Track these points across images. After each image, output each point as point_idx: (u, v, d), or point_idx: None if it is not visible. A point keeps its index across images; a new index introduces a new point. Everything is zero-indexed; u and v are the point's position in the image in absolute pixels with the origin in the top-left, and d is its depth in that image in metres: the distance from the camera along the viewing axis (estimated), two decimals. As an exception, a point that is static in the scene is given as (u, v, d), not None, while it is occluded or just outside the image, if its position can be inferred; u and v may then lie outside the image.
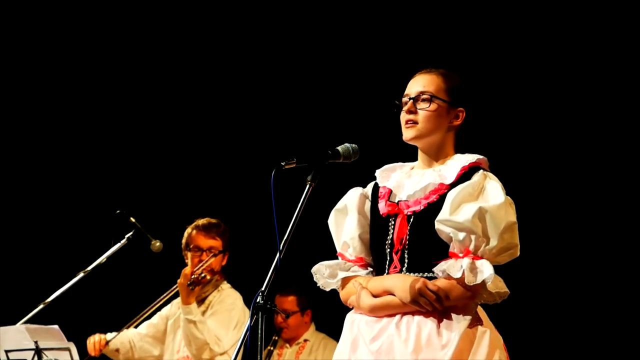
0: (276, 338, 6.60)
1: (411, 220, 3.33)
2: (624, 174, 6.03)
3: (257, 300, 3.08)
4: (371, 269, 3.44)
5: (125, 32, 7.30)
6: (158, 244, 5.46)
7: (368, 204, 3.48)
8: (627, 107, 6.03)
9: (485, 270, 3.16)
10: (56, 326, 5.00)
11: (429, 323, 3.22)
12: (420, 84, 3.44)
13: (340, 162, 3.37)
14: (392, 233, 3.36)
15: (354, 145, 3.38)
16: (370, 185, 3.53)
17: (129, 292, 7.10)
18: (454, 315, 3.22)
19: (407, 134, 3.42)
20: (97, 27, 7.30)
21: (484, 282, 3.17)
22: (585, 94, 6.12)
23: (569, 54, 6.14)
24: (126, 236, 5.44)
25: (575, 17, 6.09)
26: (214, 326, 5.41)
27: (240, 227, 6.48)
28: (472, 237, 3.18)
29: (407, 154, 3.55)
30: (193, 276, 5.41)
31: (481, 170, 3.33)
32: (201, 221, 5.64)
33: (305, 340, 6.59)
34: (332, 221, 3.53)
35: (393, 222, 3.37)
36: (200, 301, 5.55)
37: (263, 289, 3.10)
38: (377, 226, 3.42)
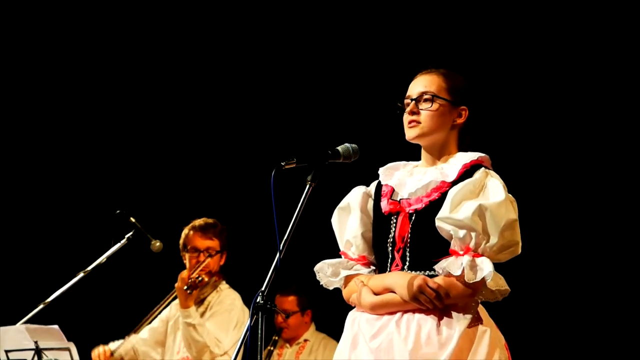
0: (276, 338, 6.60)
1: (413, 218, 3.34)
2: (626, 173, 6.03)
3: (257, 300, 3.08)
4: (374, 268, 3.45)
5: (125, 32, 7.30)
6: (158, 244, 5.46)
7: (371, 203, 3.48)
8: (630, 106, 6.02)
9: (485, 268, 3.17)
10: (56, 326, 5.00)
11: (429, 321, 3.22)
12: (421, 84, 3.45)
13: (340, 162, 3.37)
14: (394, 231, 3.37)
15: (354, 145, 3.39)
16: (374, 184, 3.54)
17: (129, 292, 7.11)
18: (454, 314, 3.22)
19: (410, 133, 3.43)
20: (97, 27, 7.30)
21: (484, 280, 3.17)
22: (588, 93, 6.12)
23: (572, 53, 6.14)
24: (126, 236, 5.44)
25: (579, 16, 6.09)
26: (214, 328, 5.41)
27: (240, 227, 6.49)
28: (473, 234, 3.18)
29: (409, 154, 3.55)
30: (190, 280, 5.41)
31: (483, 168, 3.33)
32: (198, 222, 5.63)
33: (306, 340, 6.59)
34: (335, 220, 3.54)
35: (395, 220, 3.38)
36: (199, 302, 5.55)
37: (263, 289, 3.10)
38: (379, 224, 3.42)
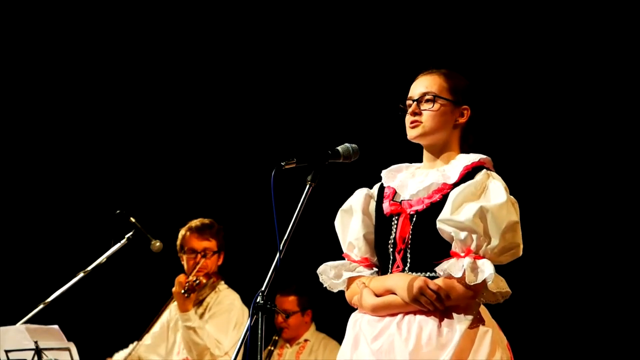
0: (276, 338, 6.60)
1: (414, 219, 3.34)
2: (628, 174, 6.03)
3: (257, 300, 3.08)
4: (376, 269, 3.45)
5: (125, 32, 7.30)
6: (158, 244, 5.45)
7: (373, 204, 3.49)
8: (632, 106, 6.02)
9: (486, 270, 3.16)
10: (56, 326, 4.99)
11: (430, 322, 3.22)
12: (422, 85, 3.45)
13: (340, 162, 3.37)
14: (395, 232, 3.37)
15: (354, 145, 3.38)
16: (377, 186, 3.54)
17: (129, 292, 7.11)
18: (455, 315, 3.22)
19: (412, 132, 3.43)
20: (97, 27, 7.30)
21: (485, 282, 3.17)
22: (590, 94, 6.11)
23: (574, 53, 6.13)
24: (126, 236, 5.44)
25: (580, 16, 6.08)
26: (214, 329, 5.41)
27: (239, 227, 6.49)
28: (474, 236, 3.18)
29: (409, 154, 3.55)
30: (187, 283, 5.40)
31: (484, 170, 3.33)
32: (194, 223, 5.63)
33: (306, 340, 6.59)
34: (337, 222, 3.54)
35: (396, 222, 3.38)
36: (198, 303, 5.55)
37: (263, 289, 3.10)
38: (380, 226, 3.42)
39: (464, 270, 3.17)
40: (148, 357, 5.64)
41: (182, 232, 5.65)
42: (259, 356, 3.05)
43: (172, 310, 5.63)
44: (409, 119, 3.44)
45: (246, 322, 5.37)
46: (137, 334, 5.83)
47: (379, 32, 6.68)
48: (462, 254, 3.20)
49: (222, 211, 6.35)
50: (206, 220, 5.65)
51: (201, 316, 5.50)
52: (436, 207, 3.28)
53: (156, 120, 7.39)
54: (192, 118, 7.36)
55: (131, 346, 5.70)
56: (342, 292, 3.51)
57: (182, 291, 5.39)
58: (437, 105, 3.40)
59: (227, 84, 7.26)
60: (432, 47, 6.28)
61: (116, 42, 7.33)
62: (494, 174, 3.34)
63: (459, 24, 6.39)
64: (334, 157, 3.34)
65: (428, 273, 3.28)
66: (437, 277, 3.25)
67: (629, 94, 6.03)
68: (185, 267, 5.61)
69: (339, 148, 3.37)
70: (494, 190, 3.25)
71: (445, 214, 3.22)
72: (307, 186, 3.24)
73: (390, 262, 3.37)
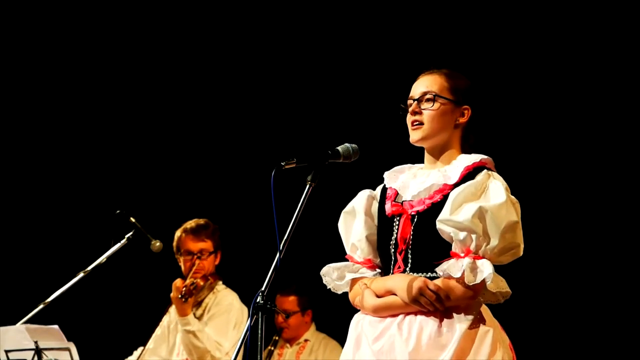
0: (277, 338, 6.60)
1: (415, 220, 3.34)
2: (629, 174, 6.02)
3: (257, 300, 3.08)
4: (379, 270, 3.45)
5: (125, 32, 7.30)
6: (158, 244, 5.45)
7: (376, 205, 3.49)
8: (633, 106, 6.02)
9: (485, 270, 3.16)
10: (56, 326, 4.99)
11: (431, 323, 3.22)
12: (423, 85, 3.46)
13: (340, 162, 3.37)
14: (396, 233, 3.37)
15: (354, 145, 3.38)
16: (380, 187, 3.54)
17: (129, 292, 7.11)
18: (455, 315, 3.22)
19: (414, 135, 3.43)
20: (97, 27, 7.30)
21: (484, 282, 3.17)
22: (591, 94, 6.11)
23: (575, 53, 6.13)
24: (126, 236, 5.44)
25: (582, 16, 6.08)
26: (213, 331, 5.41)
27: (240, 227, 6.49)
28: (473, 236, 3.18)
29: (410, 154, 3.55)
30: (184, 288, 5.39)
31: (485, 170, 3.33)
32: (189, 224, 5.62)
33: (306, 340, 6.59)
34: (341, 224, 3.54)
35: (397, 223, 3.38)
36: (197, 305, 5.54)
37: (263, 289, 3.10)
38: (382, 227, 3.43)
39: (463, 271, 3.17)
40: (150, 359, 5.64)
41: (177, 233, 5.64)
42: (259, 356, 3.05)
43: (172, 312, 5.62)
44: (410, 118, 3.45)
45: (246, 322, 5.40)
46: (137, 335, 5.83)
47: (380, 32, 6.68)
48: (462, 255, 3.20)
49: (222, 211, 6.35)
50: (201, 221, 5.64)
51: (200, 317, 5.50)
52: (437, 207, 3.28)
53: (156, 120, 7.39)
54: (192, 118, 7.35)
55: (136, 353, 5.69)
56: (343, 293, 3.51)
57: (180, 295, 5.38)
58: (437, 105, 3.40)
59: (227, 84, 7.26)
60: (434, 47, 6.28)
61: (116, 42, 7.33)
62: (495, 174, 3.34)
63: (460, 24, 6.39)
64: (334, 157, 3.34)
65: (429, 273, 3.28)
66: (438, 277, 3.25)
67: (629, 93, 6.03)
68: (183, 268, 5.61)
69: (339, 148, 3.37)
70: (494, 191, 3.25)
71: (444, 214, 3.23)
72: (307, 186, 3.24)
73: (392, 262, 3.37)
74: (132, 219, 5.44)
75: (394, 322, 3.28)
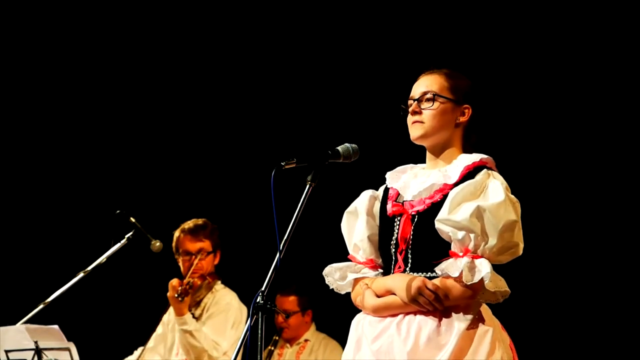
0: (277, 338, 6.60)
1: (415, 220, 3.34)
2: (629, 173, 6.02)
3: (257, 300, 3.08)
4: (381, 271, 3.45)
5: (125, 32, 7.30)
6: (158, 244, 5.45)
7: (377, 205, 3.49)
8: (633, 106, 6.02)
9: (483, 269, 3.16)
10: (56, 326, 4.99)
11: (430, 323, 3.23)
12: (423, 84, 3.46)
13: (340, 162, 3.37)
14: (397, 233, 3.37)
15: (354, 145, 3.39)
16: (383, 187, 3.54)
17: (129, 292, 7.11)
18: (454, 315, 3.22)
19: (414, 132, 3.43)
20: (97, 27, 7.29)
21: (482, 281, 3.16)
22: (592, 94, 6.11)
23: (576, 53, 6.13)
24: (126, 236, 5.44)
25: (582, 16, 6.09)
26: (211, 331, 5.41)
27: (239, 227, 6.49)
28: (471, 236, 3.18)
29: (411, 154, 3.55)
30: (180, 287, 5.39)
31: (485, 169, 3.33)
32: (187, 224, 5.62)
33: (306, 340, 6.59)
34: (344, 224, 3.55)
35: (398, 222, 3.38)
36: (195, 305, 5.54)
37: (263, 289, 3.10)
38: (383, 227, 3.43)
39: (462, 270, 3.17)
40: (150, 358, 5.64)
41: (176, 234, 5.64)
42: (259, 356, 3.05)
43: (170, 312, 5.62)
44: (410, 119, 3.45)
45: (244, 321, 5.41)
46: (137, 335, 5.84)
47: (380, 32, 6.68)
48: (461, 254, 3.20)
49: (222, 211, 6.35)
50: (199, 221, 5.64)
51: (199, 317, 5.50)
52: (437, 207, 3.28)
53: (156, 120, 7.39)
54: (192, 118, 7.35)
55: (136, 352, 5.69)
56: (343, 293, 3.51)
57: (176, 295, 5.38)
58: (436, 104, 3.40)
59: (227, 84, 7.26)
60: (434, 47, 6.28)
61: (116, 42, 7.33)
62: (495, 173, 3.33)
63: (461, 24, 6.38)
64: (334, 157, 3.35)
65: (429, 273, 3.28)
66: (437, 277, 3.25)
67: (630, 93, 6.03)
68: (182, 268, 5.61)
69: (339, 148, 3.37)
70: (493, 190, 3.25)
71: (443, 213, 3.23)
72: (307, 186, 3.25)
73: (393, 262, 3.38)
74: (132, 219, 5.44)
75: (393, 322, 3.28)
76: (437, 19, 6.47)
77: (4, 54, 7.34)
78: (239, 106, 7.24)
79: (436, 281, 3.23)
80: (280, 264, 3.13)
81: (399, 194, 3.44)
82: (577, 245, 6.07)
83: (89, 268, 5.32)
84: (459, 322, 3.21)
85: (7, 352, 4.85)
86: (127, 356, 5.75)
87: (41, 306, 5.18)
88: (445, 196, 3.29)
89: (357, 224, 3.49)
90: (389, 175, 3.54)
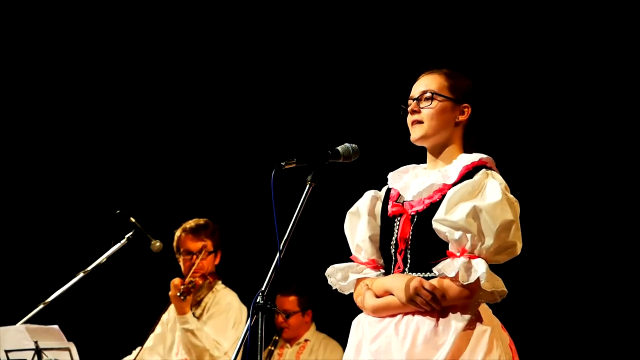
0: (277, 338, 6.60)
1: (414, 220, 3.34)
2: (629, 172, 6.02)
3: (257, 300, 3.08)
4: (383, 271, 3.45)
5: (125, 32, 7.30)
6: (158, 244, 5.45)
7: (379, 206, 3.49)
8: (634, 105, 6.03)
9: (479, 269, 3.15)
10: (56, 326, 4.99)
11: (427, 323, 3.23)
12: (423, 84, 3.47)
13: (340, 162, 3.37)
14: (397, 233, 3.37)
15: (354, 145, 3.39)
16: (385, 187, 3.54)
17: (129, 292, 7.11)
18: (452, 315, 3.22)
19: (414, 134, 3.43)
20: (97, 27, 7.29)
21: (479, 281, 3.16)
22: (593, 94, 6.11)
23: (576, 53, 6.13)
24: (126, 236, 5.43)
25: (583, 15, 6.09)
26: (212, 330, 5.41)
27: (239, 227, 6.49)
28: (468, 236, 3.17)
29: (413, 154, 3.55)
30: (182, 286, 5.39)
31: (484, 169, 3.32)
32: (188, 223, 5.62)
33: (306, 340, 6.59)
34: (346, 224, 3.55)
35: (398, 223, 3.38)
36: (196, 304, 5.54)
37: (263, 289, 3.09)
38: (384, 227, 3.44)
39: (458, 270, 3.16)
40: (149, 358, 5.64)
41: (177, 233, 5.64)
42: (259, 356, 3.05)
43: (170, 311, 5.62)
44: (409, 118, 3.45)
45: (244, 321, 5.41)
46: (137, 335, 5.83)
47: (381, 32, 6.68)
48: (458, 254, 3.20)
49: (222, 211, 6.35)
50: (201, 221, 5.64)
51: (199, 317, 5.50)
52: (435, 207, 3.27)
53: (156, 120, 7.39)
54: (192, 118, 7.35)
55: (135, 352, 5.69)
56: (343, 293, 3.52)
57: (178, 294, 5.38)
58: (435, 103, 3.41)
59: (227, 84, 7.26)
60: (434, 47, 6.28)
61: (116, 42, 7.33)
62: (494, 173, 3.33)
63: (462, 24, 6.38)
64: (334, 157, 3.35)
65: (427, 273, 3.28)
66: (435, 277, 3.25)
67: (630, 92, 6.03)
68: (182, 268, 5.61)
69: (339, 148, 3.37)
70: (490, 189, 3.24)
71: (439, 213, 3.23)
72: (307, 186, 3.25)
73: (393, 263, 3.38)
74: (132, 219, 5.44)
75: (391, 323, 3.28)
76: (437, 19, 6.47)
77: (4, 54, 7.33)
78: (238, 106, 7.24)
79: (433, 281, 3.23)
80: (280, 264, 3.13)
81: (399, 195, 3.44)
82: (577, 244, 6.06)
83: (89, 268, 5.32)
84: (456, 322, 3.20)
85: (7, 352, 4.85)
86: (126, 356, 5.75)
87: (41, 306, 5.18)
88: (443, 196, 3.28)
89: (359, 225, 3.50)
90: (390, 175, 3.54)
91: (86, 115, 7.41)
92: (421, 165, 3.52)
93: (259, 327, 3.06)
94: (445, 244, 3.24)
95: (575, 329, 6.05)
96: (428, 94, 3.42)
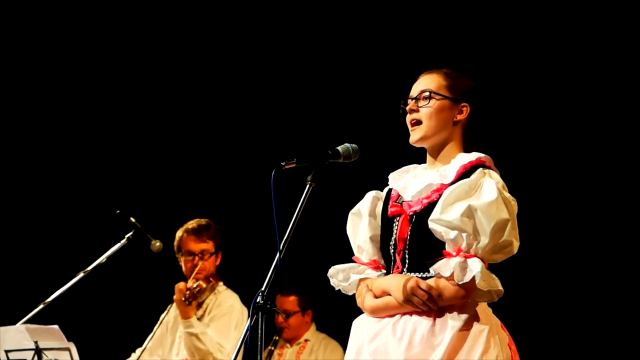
0: (277, 338, 6.60)
1: (412, 220, 3.34)
2: (630, 171, 6.02)
3: (257, 300, 3.08)
4: (384, 271, 3.45)
5: (125, 32, 7.30)
6: (158, 244, 5.45)
7: (380, 206, 3.49)
8: (634, 104, 6.03)
9: (475, 268, 3.15)
10: (56, 326, 4.99)
11: (424, 323, 3.23)
12: (422, 84, 3.47)
13: (340, 162, 3.37)
14: (395, 233, 3.37)
15: (354, 145, 3.39)
16: (387, 188, 3.54)
17: (129, 292, 7.11)
18: (449, 315, 3.21)
19: (413, 136, 3.44)
20: (97, 27, 7.29)
21: (474, 280, 3.15)
22: (593, 94, 6.12)
23: (576, 52, 6.13)
24: (126, 236, 5.43)
25: (585, 15, 6.09)
26: (215, 333, 5.41)
27: (239, 227, 6.49)
28: (463, 235, 3.17)
29: (412, 154, 3.55)
30: (188, 291, 5.39)
31: (481, 168, 3.31)
32: (191, 224, 5.61)
33: (306, 340, 6.59)
34: (348, 225, 3.55)
35: (397, 223, 3.38)
36: (198, 305, 5.53)
37: (263, 289, 3.09)
38: (384, 227, 3.44)
39: (453, 270, 3.16)
40: (149, 359, 5.63)
41: (178, 233, 5.63)
42: (259, 356, 3.05)
43: (170, 311, 5.62)
44: (408, 118, 3.46)
45: (246, 323, 5.40)
46: (137, 335, 5.83)
47: (381, 32, 6.68)
48: (454, 254, 3.20)
49: (222, 211, 6.35)
50: (203, 221, 5.63)
51: (200, 318, 5.49)
52: (433, 207, 3.27)
53: (156, 120, 7.39)
54: (192, 118, 7.35)
55: (134, 355, 5.69)
56: (343, 293, 3.52)
57: (183, 299, 5.38)
58: (432, 102, 3.41)
59: (227, 84, 7.26)
60: (434, 47, 6.28)
61: (116, 42, 7.33)
62: (491, 172, 3.32)
63: (463, 23, 6.38)
64: (334, 157, 3.35)
65: (424, 273, 3.27)
66: (432, 277, 3.25)
67: (628, 89, 6.03)
68: (183, 268, 5.61)
69: (339, 148, 3.37)
70: (486, 189, 3.23)
71: (435, 213, 3.22)
72: (307, 186, 3.25)
73: (392, 263, 3.38)
74: (132, 219, 5.44)
75: (389, 323, 3.29)
76: (437, 19, 6.47)
77: (4, 54, 7.33)
78: (238, 106, 7.24)
79: (430, 281, 3.22)
80: (280, 264, 3.13)
81: (400, 195, 3.44)
82: (578, 243, 6.06)
83: (89, 268, 5.32)
84: (452, 322, 3.20)
85: (7, 352, 4.85)
86: (127, 357, 5.75)
87: (41, 306, 5.18)
88: (441, 196, 3.28)
89: (360, 226, 3.50)
90: (391, 176, 3.54)
91: (86, 116, 7.41)
92: (422, 165, 3.52)
93: (259, 327, 3.06)
94: (442, 244, 3.24)
95: (575, 328, 6.05)
96: (426, 94, 3.42)
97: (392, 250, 3.38)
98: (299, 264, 4.93)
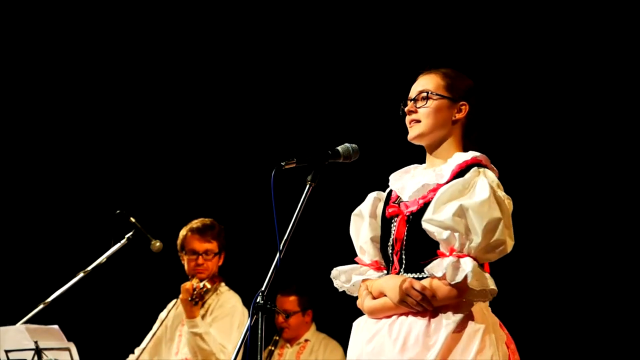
0: (277, 338, 6.60)
1: (409, 220, 3.33)
2: (630, 170, 6.03)
3: (257, 300, 3.08)
4: (385, 272, 3.45)
5: (125, 32, 7.30)
6: (158, 244, 5.45)
7: (380, 207, 3.49)
8: (633, 103, 6.03)
9: (467, 268, 3.14)
10: (56, 326, 4.99)
11: (420, 323, 3.23)
12: (420, 84, 3.48)
13: (340, 162, 3.37)
14: (393, 234, 3.37)
15: (354, 145, 3.39)
16: (388, 189, 3.54)
17: (129, 292, 7.11)
18: (443, 315, 3.21)
19: (411, 132, 3.44)
20: (97, 27, 7.29)
21: (467, 280, 3.14)
22: (592, 94, 6.12)
23: (576, 52, 6.13)
24: (126, 236, 5.43)
25: (584, 15, 6.09)
26: (217, 334, 5.41)
27: (239, 227, 6.48)
28: (456, 235, 3.16)
29: (412, 154, 3.55)
30: (195, 291, 5.39)
31: (475, 167, 3.31)
32: (195, 223, 5.61)
33: (306, 340, 6.59)
34: (351, 226, 3.56)
35: (395, 224, 3.38)
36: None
37: (263, 289, 3.10)
38: (383, 228, 3.44)
39: (445, 270, 3.15)
40: (149, 358, 5.63)
41: (183, 232, 5.63)
42: (259, 356, 3.05)
43: (170, 310, 5.62)
44: (407, 118, 3.46)
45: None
46: (137, 335, 5.83)
47: (381, 32, 6.68)
48: (447, 254, 3.19)
49: (222, 211, 6.34)
50: (207, 221, 5.63)
51: (202, 318, 5.49)
52: (428, 207, 3.27)
53: (156, 120, 7.39)
54: (192, 118, 7.35)
55: (132, 355, 5.69)
56: (343, 293, 3.52)
57: (190, 298, 5.38)
58: (430, 102, 3.41)
59: (227, 84, 7.26)
60: (434, 47, 6.28)
61: (116, 42, 7.33)
62: (486, 171, 3.31)
63: (461, 24, 6.38)
64: (334, 157, 3.35)
65: (420, 274, 3.28)
66: (427, 277, 3.25)
67: (627, 88, 6.03)
68: (186, 267, 5.61)
69: (339, 148, 3.37)
70: (479, 188, 3.22)
71: (428, 213, 3.22)
72: (307, 186, 3.25)
73: (390, 264, 3.38)
74: (132, 219, 5.44)
75: (386, 324, 3.29)
76: (437, 19, 6.47)
77: (4, 54, 7.33)
78: (239, 106, 7.24)
79: (425, 282, 3.22)
80: (280, 264, 3.13)
81: (399, 195, 3.44)
82: (577, 241, 6.06)
83: (89, 268, 5.32)
84: (447, 322, 3.20)
85: (7, 352, 4.85)
86: (127, 356, 5.75)
87: (41, 306, 5.18)
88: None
89: (362, 227, 3.51)
90: (392, 176, 3.54)
91: (86, 116, 7.41)
92: (422, 165, 3.52)
93: (259, 327, 3.06)
94: (437, 244, 3.23)
95: (574, 326, 6.05)
96: (424, 94, 3.43)
97: (390, 251, 3.38)
98: (299, 264, 4.93)
